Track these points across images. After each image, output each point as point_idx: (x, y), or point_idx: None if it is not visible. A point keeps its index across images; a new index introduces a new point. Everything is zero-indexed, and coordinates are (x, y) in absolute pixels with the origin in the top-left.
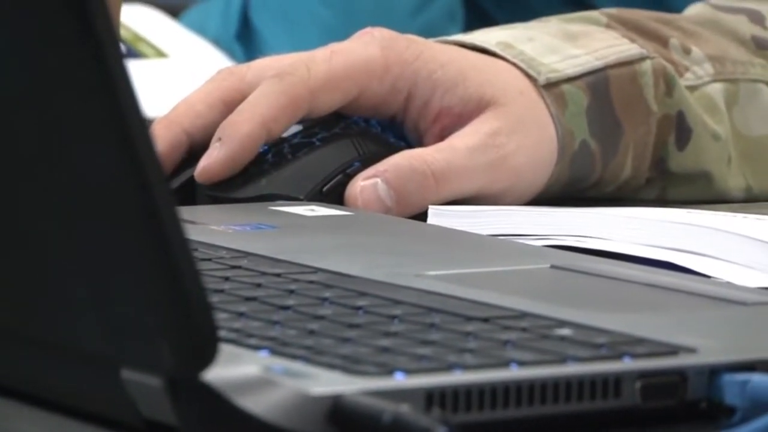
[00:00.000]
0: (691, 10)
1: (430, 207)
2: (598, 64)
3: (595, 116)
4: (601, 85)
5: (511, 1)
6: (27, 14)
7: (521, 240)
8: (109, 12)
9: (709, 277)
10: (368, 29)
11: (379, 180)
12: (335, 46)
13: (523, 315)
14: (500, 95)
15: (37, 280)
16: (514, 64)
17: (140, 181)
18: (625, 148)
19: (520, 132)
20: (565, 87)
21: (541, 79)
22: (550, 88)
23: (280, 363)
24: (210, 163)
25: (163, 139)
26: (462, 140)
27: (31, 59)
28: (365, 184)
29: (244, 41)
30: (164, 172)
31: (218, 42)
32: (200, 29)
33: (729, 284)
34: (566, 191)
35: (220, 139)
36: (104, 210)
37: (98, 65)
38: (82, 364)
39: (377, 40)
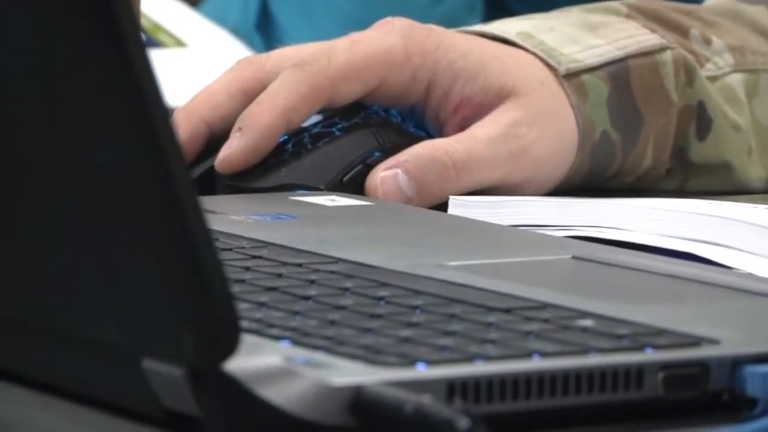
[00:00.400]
0: (711, 1)
1: (451, 197)
2: (618, 54)
3: (615, 106)
4: (621, 76)
5: None
6: (49, 5)
7: (542, 231)
8: (131, 2)
9: (730, 268)
10: (389, 19)
11: (399, 170)
12: (356, 36)
13: (544, 306)
14: (521, 85)
15: (58, 272)
16: (534, 54)
17: (162, 171)
18: (646, 138)
19: (540, 122)
20: (586, 77)
21: (562, 70)
22: (571, 78)
23: (301, 353)
24: (230, 153)
25: (183, 129)
26: (483, 130)
27: (54, 50)
28: (386, 174)
29: (264, 31)
30: (186, 162)
31: (237, 31)
32: (219, 19)
33: (750, 275)
34: (587, 182)
35: (240, 129)
36: (126, 200)
37: (121, 55)
38: (104, 355)
39: (398, 30)
